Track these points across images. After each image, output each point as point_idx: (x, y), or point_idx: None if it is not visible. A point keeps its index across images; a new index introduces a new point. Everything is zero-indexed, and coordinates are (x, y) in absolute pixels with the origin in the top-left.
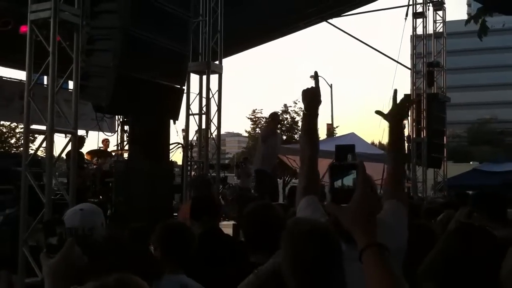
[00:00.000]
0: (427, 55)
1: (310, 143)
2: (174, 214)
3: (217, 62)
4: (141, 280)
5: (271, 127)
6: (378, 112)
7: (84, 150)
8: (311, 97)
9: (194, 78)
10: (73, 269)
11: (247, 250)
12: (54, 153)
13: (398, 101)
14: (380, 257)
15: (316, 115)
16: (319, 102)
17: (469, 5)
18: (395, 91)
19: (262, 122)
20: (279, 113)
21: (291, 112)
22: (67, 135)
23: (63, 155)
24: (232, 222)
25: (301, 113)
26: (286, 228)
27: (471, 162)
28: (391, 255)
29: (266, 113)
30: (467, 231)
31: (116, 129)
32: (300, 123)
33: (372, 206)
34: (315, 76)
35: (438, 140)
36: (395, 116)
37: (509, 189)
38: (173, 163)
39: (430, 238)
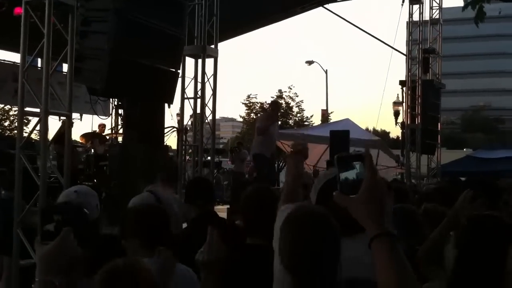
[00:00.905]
0: (423, 42)
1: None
2: None
3: (212, 46)
4: (147, 264)
5: (272, 116)
6: None
7: (78, 133)
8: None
9: (189, 61)
10: (66, 258)
11: (245, 233)
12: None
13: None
14: (390, 246)
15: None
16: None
17: None
18: None
19: (257, 108)
20: (270, 98)
21: (285, 98)
22: (61, 118)
23: (50, 139)
24: (226, 207)
25: (296, 98)
26: (287, 215)
27: (464, 149)
28: None
29: (261, 99)
30: (482, 221)
31: (111, 113)
32: (294, 109)
33: (382, 195)
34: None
35: (432, 127)
36: None
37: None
38: (168, 147)
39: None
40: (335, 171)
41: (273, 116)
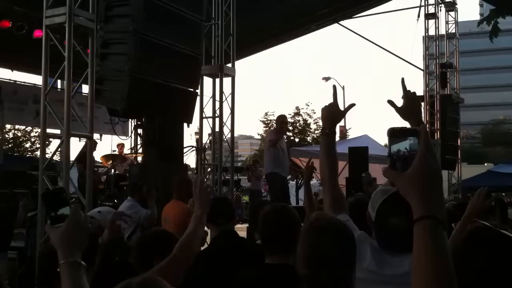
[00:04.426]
0: (440, 56)
1: (331, 164)
2: None
3: (230, 65)
4: (166, 283)
5: (280, 130)
6: (390, 102)
7: (98, 154)
8: (332, 116)
9: (207, 81)
10: (85, 234)
11: (264, 251)
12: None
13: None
14: (432, 230)
15: (335, 133)
16: (340, 119)
17: (481, 5)
18: (403, 79)
19: (275, 125)
20: (287, 115)
21: (303, 114)
22: (82, 138)
23: (74, 159)
24: (246, 225)
25: (313, 115)
26: (308, 222)
27: (485, 164)
28: None
29: None
30: (485, 236)
31: (130, 134)
32: (312, 125)
33: (433, 173)
34: (334, 91)
35: (452, 142)
36: (411, 97)
37: None
38: (187, 166)
39: None
40: (391, 188)
41: (279, 129)
